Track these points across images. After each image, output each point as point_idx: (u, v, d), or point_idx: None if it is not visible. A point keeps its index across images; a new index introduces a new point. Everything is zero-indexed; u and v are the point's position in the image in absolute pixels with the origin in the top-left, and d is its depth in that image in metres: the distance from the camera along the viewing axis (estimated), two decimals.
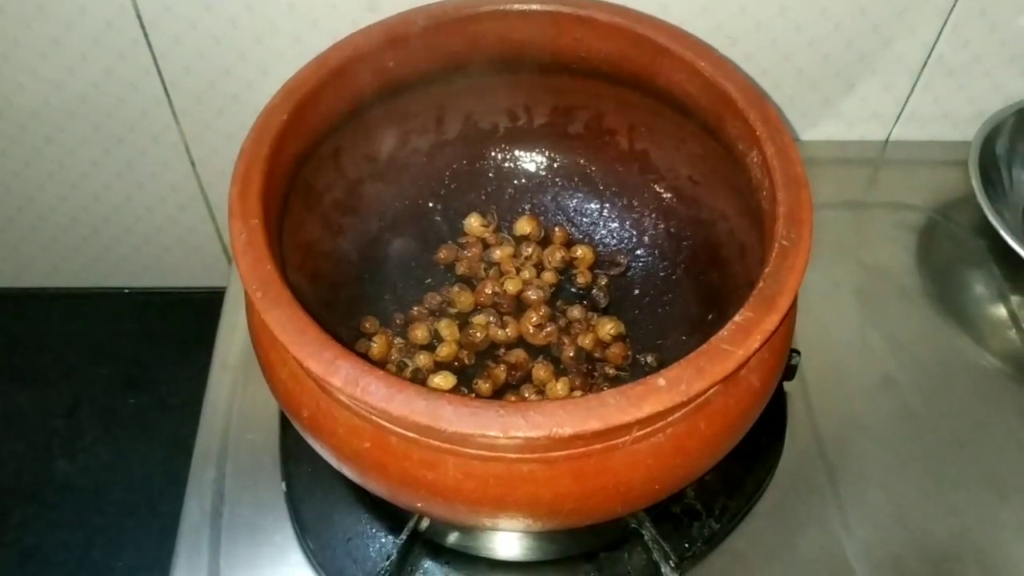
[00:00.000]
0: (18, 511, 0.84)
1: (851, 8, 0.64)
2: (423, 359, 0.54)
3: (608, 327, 0.55)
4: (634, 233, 0.59)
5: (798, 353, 0.55)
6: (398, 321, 0.56)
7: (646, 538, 0.49)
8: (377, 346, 0.54)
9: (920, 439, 0.57)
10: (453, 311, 0.56)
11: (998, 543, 0.53)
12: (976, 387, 0.60)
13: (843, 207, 0.69)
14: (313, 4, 0.63)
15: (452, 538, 0.51)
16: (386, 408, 0.35)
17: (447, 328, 0.55)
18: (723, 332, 0.37)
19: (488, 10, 0.51)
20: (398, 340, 0.55)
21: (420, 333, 0.55)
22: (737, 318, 0.37)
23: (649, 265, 0.58)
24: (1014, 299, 0.64)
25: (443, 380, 0.51)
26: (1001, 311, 0.64)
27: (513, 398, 0.53)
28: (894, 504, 0.54)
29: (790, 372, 0.55)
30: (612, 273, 0.58)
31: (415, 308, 0.56)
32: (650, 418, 0.35)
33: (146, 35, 0.66)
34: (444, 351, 0.54)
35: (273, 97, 0.46)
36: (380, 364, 0.51)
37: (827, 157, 0.73)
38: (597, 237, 0.60)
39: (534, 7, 0.51)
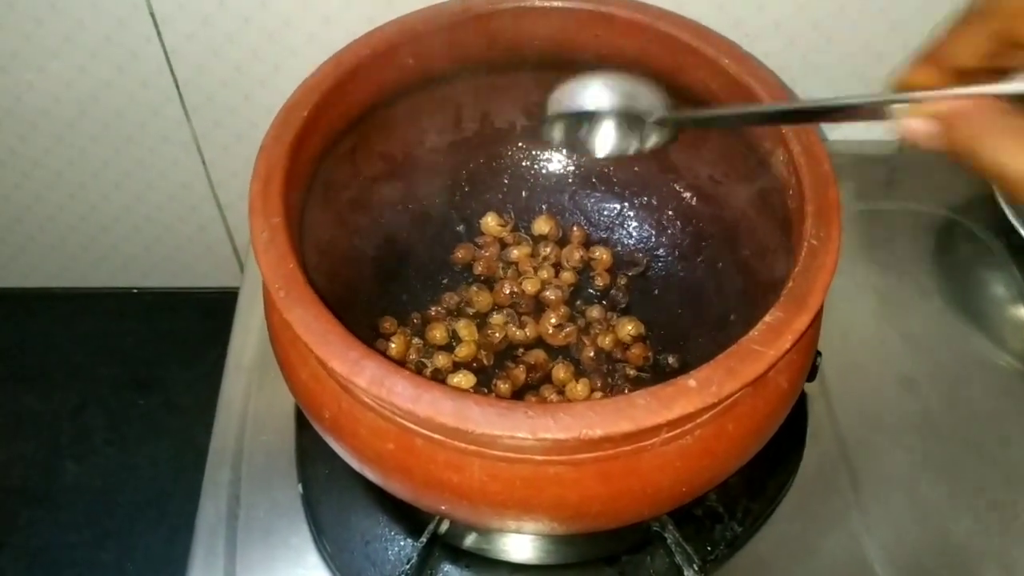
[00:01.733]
0: (26, 513, 0.84)
1: (870, 6, 0.63)
2: (442, 360, 0.53)
3: (628, 327, 0.54)
4: (653, 233, 0.58)
5: (819, 354, 0.55)
6: (415, 321, 0.55)
7: (669, 541, 0.49)
8: (395, 346, 0.53)
9: (940, 441, 0.56)
10: (471, 311, 0.56)
11: (1021, 545, 0.52)
12: (996, 388, 0.59)
13: (861, 207, 0.69)
14: (327, 2, 0.62)
15: (471, 540, 0.50)
16: (412, 409, 0.34)
17: (465, 328, 0.54)
18: (754, 332, 0.36)
19: (507, 7, 0.51)
20: (416, 340, 0.55)
21: (438, 333, 0.54)
22: (768, 318, 0.37)
23: (669, 265, 0.58)
24: None
25: (464, 379, 0.51)
26: (1021, 312, 0.64)
27: (533, 398, 0.53)
28: (915, 506, 0.53)
29: (812, 373, 0.55)
30: (631, 273, 0.58)
31: (432, 308, 0.56)
32: (679, 419, 0.35)
33: (159, 32, 0.65)
34: (463, 351, 0.54)
35: (293, 94, 0.46)
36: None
37: (845, 156, 0.72)
38: (616, 237, 0.59)
39: (554, 4, 0.51)
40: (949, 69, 0.33)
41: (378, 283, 0.55)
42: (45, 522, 0.83)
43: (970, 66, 0.32)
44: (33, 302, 0.93)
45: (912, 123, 0.32)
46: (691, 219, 0.57)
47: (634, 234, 0.59)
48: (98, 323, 0.93)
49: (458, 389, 0.35)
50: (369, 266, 0.55)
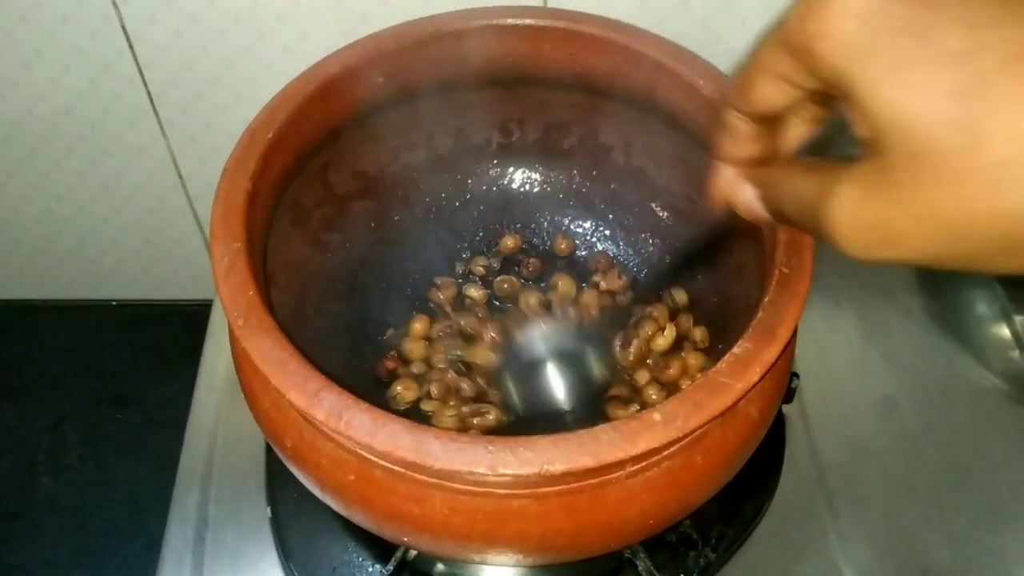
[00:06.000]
0: (0, 529, 0.82)
1: None
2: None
3: None
4: (630, 252, 0.58)
5: (797, 376, 0.54)
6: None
7: (640, 569, 0.48)
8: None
9: (921, 463, 0.56)
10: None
11: (1002, 571, 0.51)
12: (979, 409, 0.58)
13: None
14: (302, 16, 0.62)
15: (440, 567, 0.50)
16: (370, 443, 0.34)
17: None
18: (721, 364, 0.35)
19: (480, 24, 0.50)
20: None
21: None
22: (736, 349, 0.36)
23: (645, 283, 0.57)
24: (1017, 319, 0.63)
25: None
26: (1004, 331, 0.63)
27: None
28: (895, 531, 0.53)
29: (789, 395, 0.54)
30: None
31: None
32: (645, 454, 0.34)
33: (131, 45, 0.65)
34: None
35: (259, 114, 0.45)
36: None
37: None
38: (590, 256, 0.58)
39: (527, 22, 0.50)
40: (758, 119, 0.30)
41: (350, 303, 0.55)
42: (20, 538, 0.82)
43: (777, 110, 0.29)
44: (10, 315, 0.92)
45: (740, 196, 0.32)
46: (667, 239, 0.56)
47: (609, 254, 0.58)
48: (76, 336, 0.92)
49: (418, 424, 0.34)
50: (341, 286, 0.54)
